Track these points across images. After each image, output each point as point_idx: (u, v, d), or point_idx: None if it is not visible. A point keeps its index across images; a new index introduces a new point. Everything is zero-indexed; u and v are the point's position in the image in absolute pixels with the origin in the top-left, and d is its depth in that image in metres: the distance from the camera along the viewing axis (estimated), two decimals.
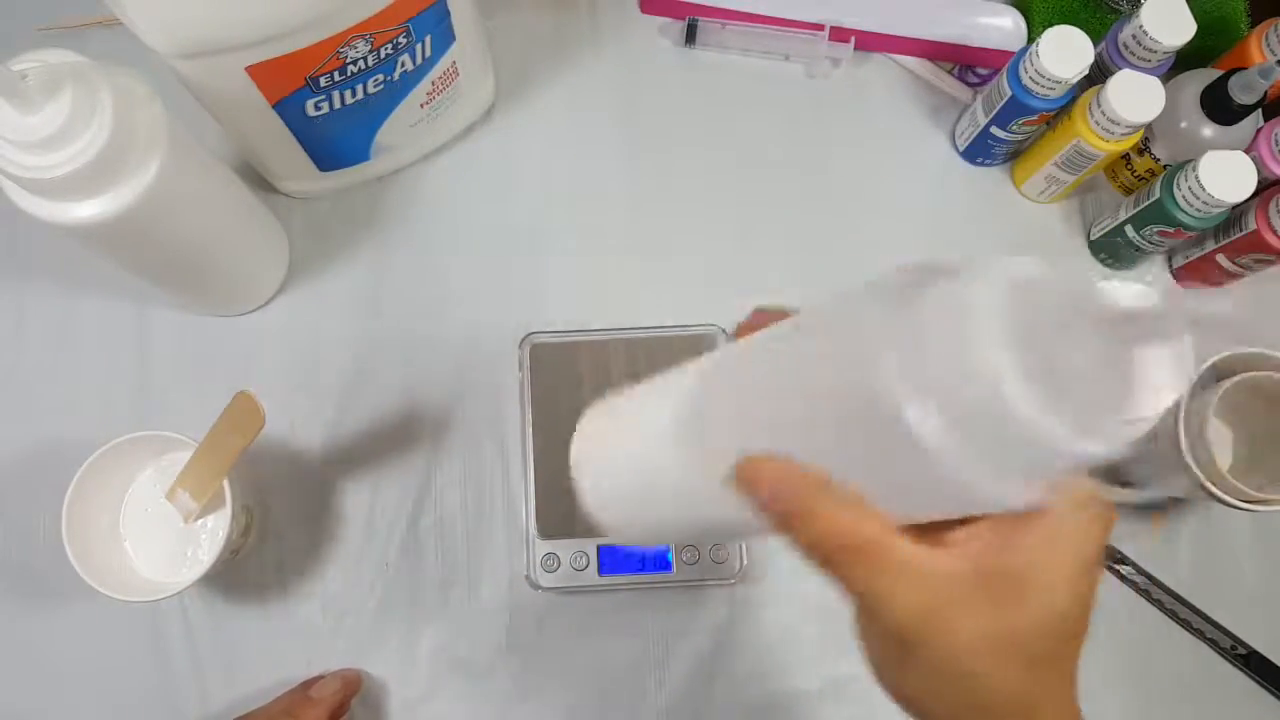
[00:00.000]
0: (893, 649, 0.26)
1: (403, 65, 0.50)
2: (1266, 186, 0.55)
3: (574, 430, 0.36)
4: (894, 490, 0.25)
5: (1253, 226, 0.54)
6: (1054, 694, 0.26)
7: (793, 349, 0.27)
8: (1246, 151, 0.53)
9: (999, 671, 0.25)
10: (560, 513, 0.54)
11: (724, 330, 0.57)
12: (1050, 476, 0.23)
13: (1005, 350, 0.20)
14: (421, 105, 0.54)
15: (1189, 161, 0.53)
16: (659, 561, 0.53)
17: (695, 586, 0.51)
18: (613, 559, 0.53)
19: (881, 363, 0.22)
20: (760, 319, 0.31)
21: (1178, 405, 0.50)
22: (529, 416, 0.56)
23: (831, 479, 0.25)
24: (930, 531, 0.26)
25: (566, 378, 0.56)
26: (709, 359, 0.32)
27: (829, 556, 0.26)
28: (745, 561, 0.54)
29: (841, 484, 0.25)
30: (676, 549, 0.54)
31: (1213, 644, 0.56)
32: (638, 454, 0.33)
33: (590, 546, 0.53)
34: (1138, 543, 0.57)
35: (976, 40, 0.62)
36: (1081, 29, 0.53)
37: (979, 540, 0.25)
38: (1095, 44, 0.54)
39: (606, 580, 0.53)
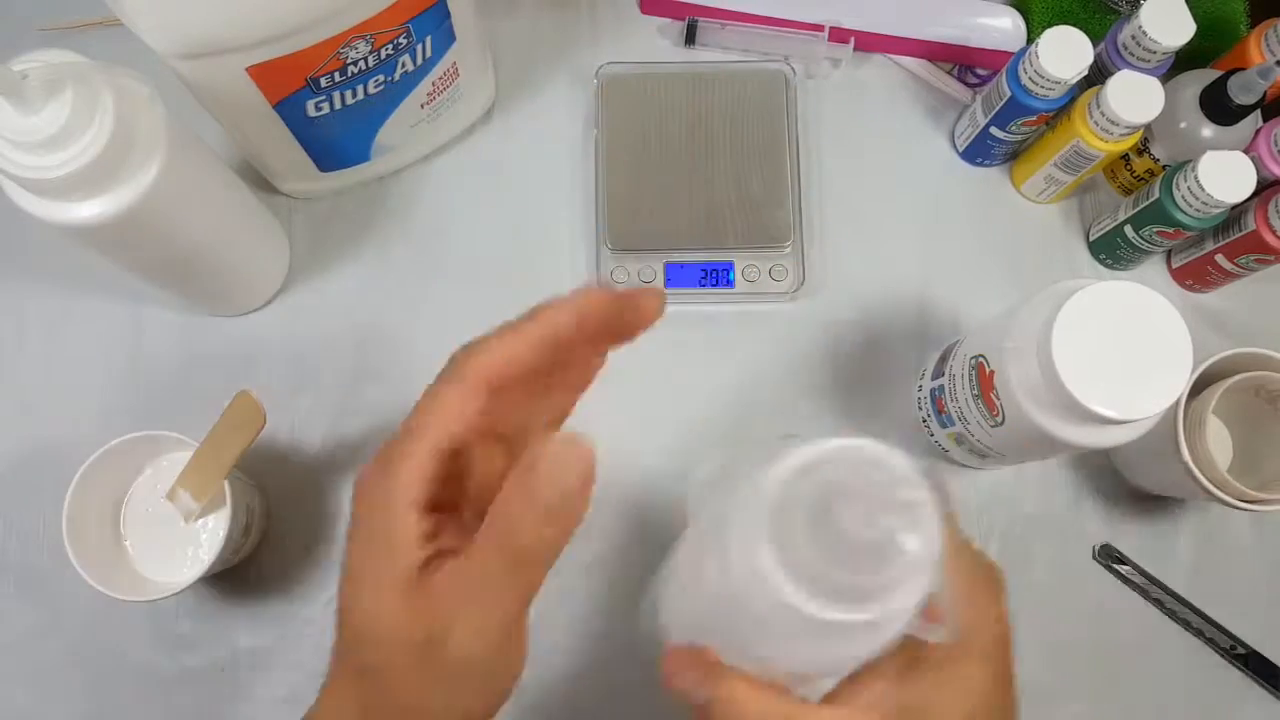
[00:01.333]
0: None
1: (403, 66, 0.50)
2: (1266, 187, 0.55)
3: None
4: (790, 657, 0.29)
5: (1252, 226, 0.54)
6: None
7: (698, 553, 0.31)
8: (1246, 152, 0.53)
9: None
10: None
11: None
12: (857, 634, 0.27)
13: (767, 544, 0.25)
14: (422, 106, 0.54)
15: (1188, 162, 0.53)
16: (722, 277, 0.58)
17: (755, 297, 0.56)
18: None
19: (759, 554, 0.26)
20: None
21: (1177, 405, 0.50)
22: (602, 158, 0.59)
23: (745, 663, 0.30)
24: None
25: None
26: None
27: None
28: (804, 280, 0.58)
29: (754, 665, 0.30)
30: (739, 265, 0.58)
31: (1212, 643, 0.56)
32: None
33: None
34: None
35: (976, 41, 0.63)
36: (1081, 29, 0.53)
37: (874, 691, 0.30)
38: (1095, 44, 0.54)
39: None
